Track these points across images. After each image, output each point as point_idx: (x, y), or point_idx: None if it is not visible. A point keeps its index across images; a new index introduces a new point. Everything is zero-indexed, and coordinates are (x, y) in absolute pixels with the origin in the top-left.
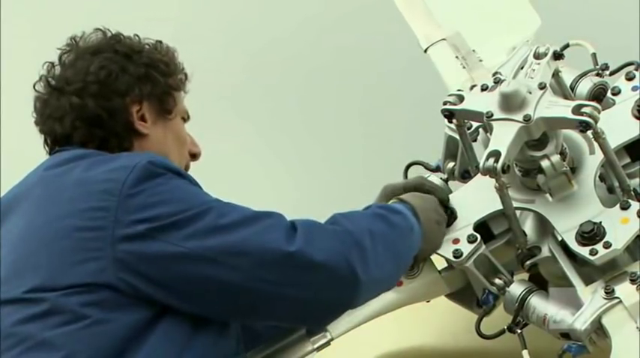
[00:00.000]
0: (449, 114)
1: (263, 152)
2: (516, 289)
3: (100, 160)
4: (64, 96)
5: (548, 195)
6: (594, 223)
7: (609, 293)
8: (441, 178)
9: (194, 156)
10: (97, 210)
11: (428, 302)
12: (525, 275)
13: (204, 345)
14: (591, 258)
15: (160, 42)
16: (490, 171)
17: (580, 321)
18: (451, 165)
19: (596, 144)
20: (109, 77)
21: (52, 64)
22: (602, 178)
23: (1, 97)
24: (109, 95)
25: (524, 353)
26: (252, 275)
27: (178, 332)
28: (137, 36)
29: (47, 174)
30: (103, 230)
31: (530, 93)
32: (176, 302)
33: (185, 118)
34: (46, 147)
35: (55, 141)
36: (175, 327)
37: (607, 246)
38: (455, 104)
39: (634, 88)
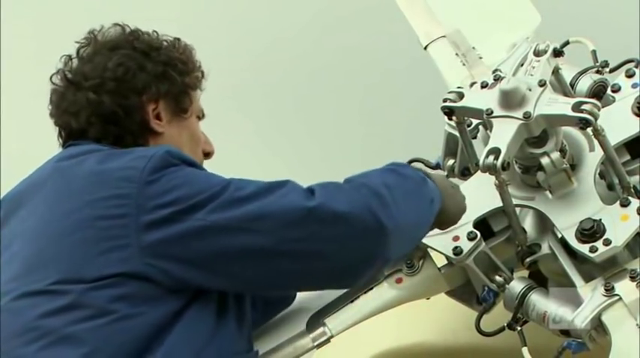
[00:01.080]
0: (449, 112)
1: (263, 152)
2: (516, 286)
3: (116, 153)
4: (81, 92)
5: (548, 193)
6: (594, 220)
7: (609, 291)
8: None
9: (207, 154)
10: (118, 198)
11: (428, 299)
12: (525, 273)
13: (224, 341)
14: (591, 255)
15: (178, 39)
16: (490, 169)
17: (580, 318)
18: (451, 162)
19: (596, 142)
20: (126, 74)
21: (70, 57)
22: (602, 175)
23: (1, 97)
24: (125, 93)
25: (524, 350)
26: (279, 237)
27: (201, 327)
28: (155, 32)
29: (61, 166)
30: (126, 217)
31: (530, 90)
32: (209, 280)
33: (200, 117)
34: (60, 140)
35: (70, 135)
36: (198, 322)
37: (607, 243)
38: (455, 101)
39: (634, 85)
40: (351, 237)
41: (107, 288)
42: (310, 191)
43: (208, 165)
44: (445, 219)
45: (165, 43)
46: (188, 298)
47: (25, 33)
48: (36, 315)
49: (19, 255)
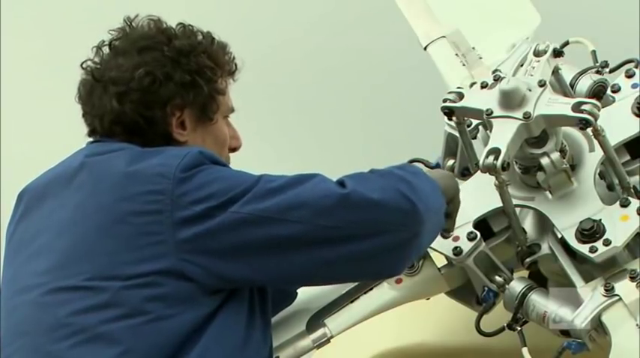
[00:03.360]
0: (449, 112)
1: (266, 152)
2: (516, 286)
3: (148, 151)
4: (107, 95)
5: (547, 193)
6: (594, 221)
7: (609, 291)
8: None
9: (234, 149)
10: (152, 194)
11: (428, 299)
12: (525, 273)
13: (253, 347)
14: (591, 255)
15: (212, 37)
16: (490, 169)
17: (580, 319)
18: (451, 162)
19: (595, 142)
20: (152, 85)
21: (100, 47)
22: (601, 176)
23: (1, 97)
24: (149, 104)
25: (524, 350)
26: (315, 225)
27: (232, 332)
28: (191, 27)
29: (91, 161)
30: (161, 213)
31: (529, 90)
32: (246, 273)
33: (228, 115)
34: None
35: (95, 133)
36: (230, 327)
37: (607, 243)
38: (454, 101)
39: (634, 86)
40: (388, 221)
41: (142, 287)
42: (339, 182)
43: None
44: (451, 204)
45: (197, 43)
46: (220, 301)
47: (26, 31)
48: (70, 311)
49: (50, 249)
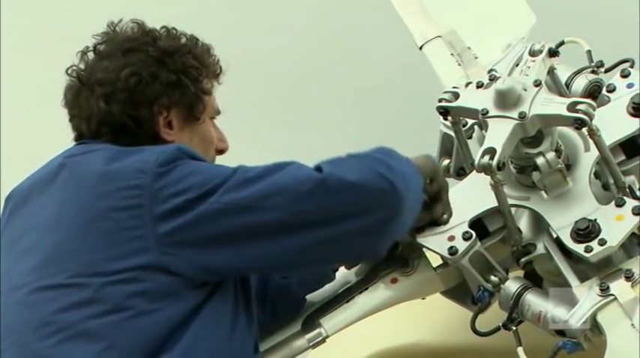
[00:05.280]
0: (444, 112)
1: (260, 152)
2: (511, 286)
3: (127, 150)
4: (93, 97)
5: (543, 192)
6: (589, 220)
7: (604, 291)
8: None
9: (221, 151)
10: (132, 189)
11: (423, 299)
12: (520, 273)
13: (238, 341)
14: (586, 255)
15: (195, 39)
16: (485, 168)
17: (575, 318)
18: (446, 162)
19: (591, 142)
20: (138, 85)
21: (85, 52)
22: (597, 175)
23: (1, 97)
24: (136, 104)
25: (519, 350)
26: (294, 211)
27: (217, 327)
28: (174, 29)
29: (71, 161)
30: (141, 208)
31: (525, 90)
32: (229, 263)
33: (214, 116)
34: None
35: (82, 136)
36: (215, 322)
37: (602, 243)
38: (450, 101)
39: (629, 86)
40: (367, 202)
41: (125, 283)
42: (316, 168)
43: None
44: (434, 182)
45: (181, 44)
46: (206, 294)
47: (26, 30)
48: (53, 310)
49: (35, 248)
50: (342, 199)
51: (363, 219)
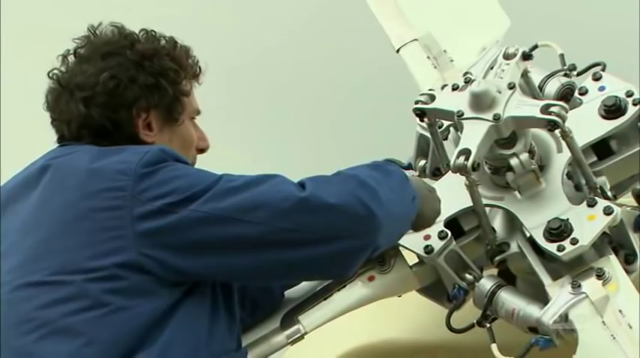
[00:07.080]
0: (420, 113)
1: (246, 151)
2: (486, 284)
3: (110, 150)
4: (73, 101)
5: (516, 193)
6: (562, 220)
7: (576, 289)
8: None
9: (202, 150)
10: (114, 190)
11: (399, 296)
12: (494, 271)
13: (217, 339)
14: (558, 253)
15: (174, 41)
16: (460, 169)
17: (547, 316)
18: (422, 162)
19: (563, 143)
20: (117, 88)
21: (65, 56)
22: (569, 176)
23: (1, 97)
24: (115, 107)
25: (493, 346)
26: (272, 227)
27: (195, 325)
28: (153, 32)
29: (54, 162)
30: (122, 209)
31: (499, 92)
32: (202, 270)
33: (194, 117)
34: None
35: (63, 139)
36: (193, 320)
37: (574, 242)
38: (426, 103)
39: (600, 88)
40: (344, 226)
41: (103, 280)
42: (300, 184)
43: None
44: (421, 222)
45: (159, 47)
46: (181, 294)
47: (24, 29)
48: (33, 306)
49: (17, 247)
50: (320, 221)
51: (336, 244)
